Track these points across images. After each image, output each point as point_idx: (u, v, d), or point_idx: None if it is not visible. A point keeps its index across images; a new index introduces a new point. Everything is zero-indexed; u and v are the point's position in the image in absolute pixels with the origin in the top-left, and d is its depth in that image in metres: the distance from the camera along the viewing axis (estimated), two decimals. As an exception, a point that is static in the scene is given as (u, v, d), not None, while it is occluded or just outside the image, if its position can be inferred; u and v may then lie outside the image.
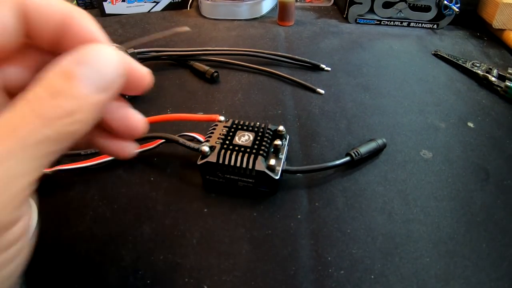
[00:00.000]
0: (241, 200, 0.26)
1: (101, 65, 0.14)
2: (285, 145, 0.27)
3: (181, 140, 0.27)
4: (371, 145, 0.30)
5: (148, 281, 0.21)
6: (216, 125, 0.28)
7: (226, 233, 0.24)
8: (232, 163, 0.25)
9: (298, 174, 0.28)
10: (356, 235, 0.24)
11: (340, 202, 0.26)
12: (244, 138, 0.26)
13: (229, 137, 0.26)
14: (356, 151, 0.29)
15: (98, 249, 0.23)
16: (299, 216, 0.25)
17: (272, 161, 0.25)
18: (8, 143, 0.12)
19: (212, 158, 0.25)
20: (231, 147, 0.25)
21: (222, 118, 0.28)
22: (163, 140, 0.28)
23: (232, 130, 0.27)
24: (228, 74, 0.43)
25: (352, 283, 0.21)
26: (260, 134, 0.27)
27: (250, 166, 0.24)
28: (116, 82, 0.15)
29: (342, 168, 0.29)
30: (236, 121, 0.28)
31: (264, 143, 0.26)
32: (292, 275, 0.22)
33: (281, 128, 0.27)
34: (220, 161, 0.25)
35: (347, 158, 0.28)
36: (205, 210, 0.25)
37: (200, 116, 0.29)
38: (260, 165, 0.24)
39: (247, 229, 0.24)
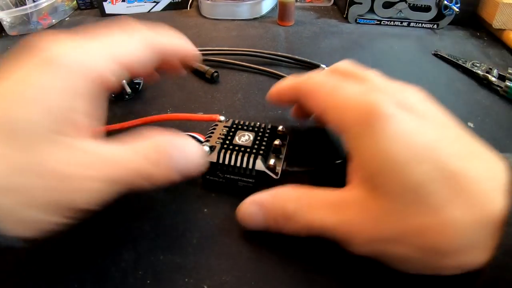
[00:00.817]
0: (241, 200, 0.26)
1: (186, 155, 0.20)
2: (285, 144, 0.27)
3: None
4: None
5: (148, 281, 0.21)
6: (216, 125, 0.28)
7: (226, 233, 0.24)
8: (232, 163, 0.25)
9: (298, 174, 0.28)
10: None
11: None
12: (244, 138, 0.26)
13: (229, 137, 0.26)
14: None
15: (98, 249, 0.23)
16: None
17: (272, 161, 0.25)
18: (107, 171, 0.17)
19: (212, 158, 0.25)
20: (231, 147, 0.25)
21: (222, 118, 0.28)
22: None
23: (232, 130, 0.27)
24: (228, 74, 0.43)
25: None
26: (260, 134, 0.27)
27: (250, 166, 0.24)
28: (191, 171, 0.20)
29: (342, 167, 0.29)
30: (236, 121, 0.28)
31: (264, 143, 0.26)
32: (292, 275, 0.22)
33: (280, 128, 0.27)
34: (220, 161, 0.25)
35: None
36: (205, 210, 0.25)
37: (200, 116, 0.29)
38: (260, 165, 0.24)
39: (247, 229, 0.24)
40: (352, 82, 0.22)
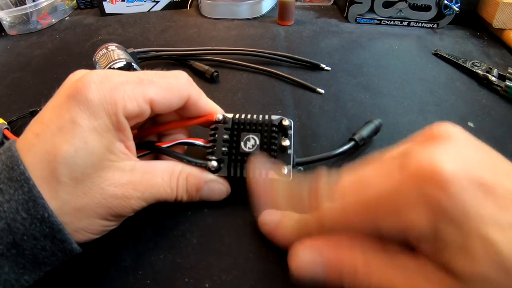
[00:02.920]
0: (241, 200, 0.26)
1: (213, 191, 0.25)
2: (291, 135, 0.26)
3: (186, 159, 0.25)
4: (370, 127, 0.31)
5: (148, 281, 0.21)
6: (216, 128, 0.26)
7: (226, 233, 0.24)
8: (245, 174, 0.24)
9: (299, 168, 0.28)
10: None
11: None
12: (251, 143, 0.25)
13: (234, 144, 0.25)
14: (359, 135, 0.30)
15: (98, 249, 0.23)
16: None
17: (286, 170, 0.24)
18: (148, 193, 0.22)
19: (223, 173, 0.25)
20: (239, 157, 0.25)
21: (220, 116, 0.26)
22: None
23: (235, 133, 0.25)
24: (228, 73, 0.42)
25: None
26: (265, 134, 0.25)
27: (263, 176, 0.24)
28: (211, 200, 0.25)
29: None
30: (236, 119, 0.26)
31: (272, 146, 0.25)
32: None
33: (286, 123, 0.26)
34: (232, 175, 0.25)
35: (352, 143, 0.29)
36: (205, 210, 0.25)
37: (195, 120, 0.27)
38: (272, 174, 0.24)
39: (247, 229, 0.24)
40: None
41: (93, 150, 0.19)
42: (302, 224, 0.21)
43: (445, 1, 0.51)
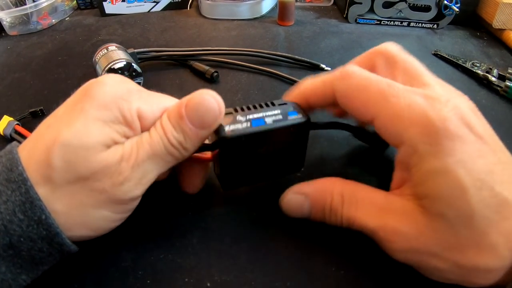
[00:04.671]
0: (241, 200, 0.26)
1: (201, 109, 0.20)
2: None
3: None
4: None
5: (148, 281, 0.21)
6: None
7: (226, 233, 0.24)
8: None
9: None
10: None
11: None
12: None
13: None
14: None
15: (98, 249, 0.23)
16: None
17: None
18: (148, 151, 0.20)
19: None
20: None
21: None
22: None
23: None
24: (228, 74, 0.42)
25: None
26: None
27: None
28: (213, 122, 0.21)
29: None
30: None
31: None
32: (292, 275, 0.22)
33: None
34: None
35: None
36: (205, 210, 0.25)
37: (199, 155, 0.24)
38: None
39: (247, 229, 0.24)
40: (404, 81, 0.21)
41: (92, 133, 0.18)
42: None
43: (445, 2, 0.51)
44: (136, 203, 0.21)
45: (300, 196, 0.22)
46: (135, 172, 0.19)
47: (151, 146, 0.20)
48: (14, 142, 0.20)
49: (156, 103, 0.21)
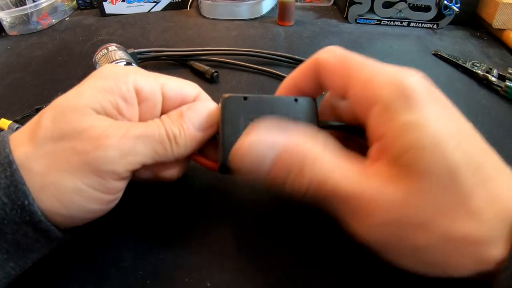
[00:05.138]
0: (241, 200, 0.26)
1: (201, 113, 0.22)
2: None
3: None
4: None
5: (148, 281, 0.21)
6: None
7: (226, 233, 0.24)
8: None
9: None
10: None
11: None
12: None
13: None
14: None
15: (98, 249, 0.23)
16: (299, 216, 0.25)
17: None
18: (141, 129, 0.20)
19: None
20: None
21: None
22: None
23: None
24: (228, 74, 0.43)
25: (352, 283, 0.21)
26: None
27: None
28: (209, 127, 0.22)
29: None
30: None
31: None
32: (292, 275, 0.22)
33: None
34: None
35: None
36: (205, 210, 0.25)
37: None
38: None
39: (248, 229, 0.24)
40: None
41: (82, 97, 0.19)
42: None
43: (445, 2, 0.51)
44: (115, 191, 0.20)
45: (266, 146, 0.18)
46: (123, 144, 0.19)
47: (145, 127, 0.20)
48: (5, 131, 0.21)
49: (153, 78, 0.22)
